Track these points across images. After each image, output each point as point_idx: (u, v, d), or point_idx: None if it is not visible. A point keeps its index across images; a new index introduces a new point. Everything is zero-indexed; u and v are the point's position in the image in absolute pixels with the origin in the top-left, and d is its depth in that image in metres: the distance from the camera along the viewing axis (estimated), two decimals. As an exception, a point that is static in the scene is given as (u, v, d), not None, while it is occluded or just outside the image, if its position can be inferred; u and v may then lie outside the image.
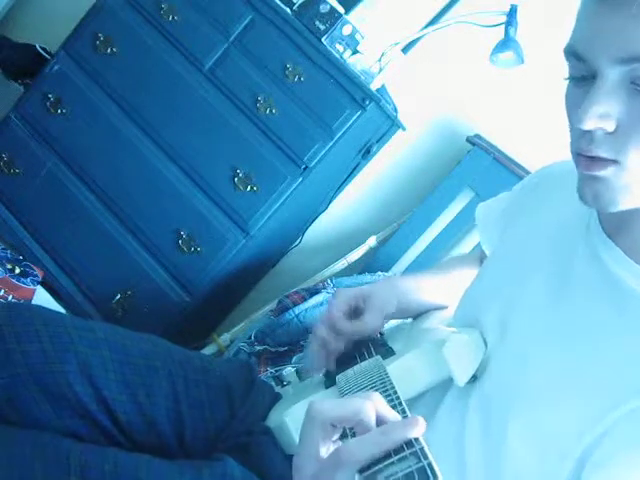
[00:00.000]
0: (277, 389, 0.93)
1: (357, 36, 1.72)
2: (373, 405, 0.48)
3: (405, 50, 1.90)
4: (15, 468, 0.65)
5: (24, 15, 2.37)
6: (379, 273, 1.81)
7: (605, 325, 0.63)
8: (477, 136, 1.88)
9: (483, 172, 1.82)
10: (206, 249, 1.74)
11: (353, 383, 0.66)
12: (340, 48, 1.71)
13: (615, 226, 0.66)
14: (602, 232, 0.67)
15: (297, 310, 1.61)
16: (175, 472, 0.70)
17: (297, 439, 0.70)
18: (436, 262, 1.87)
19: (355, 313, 0.86)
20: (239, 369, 0.92)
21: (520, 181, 0.94)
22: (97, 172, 1.84)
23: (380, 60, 1.75)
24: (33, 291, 1.73)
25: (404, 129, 1.89)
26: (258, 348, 1.60)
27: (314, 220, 1.99)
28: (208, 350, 1.87)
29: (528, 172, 1.74)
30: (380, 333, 0.89)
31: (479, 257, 1.03)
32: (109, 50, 1.85)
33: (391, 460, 0.43)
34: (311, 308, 1.62)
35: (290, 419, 0.72)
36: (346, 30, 1.71)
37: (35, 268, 1.80)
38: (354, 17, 1.83)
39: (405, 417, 0.50)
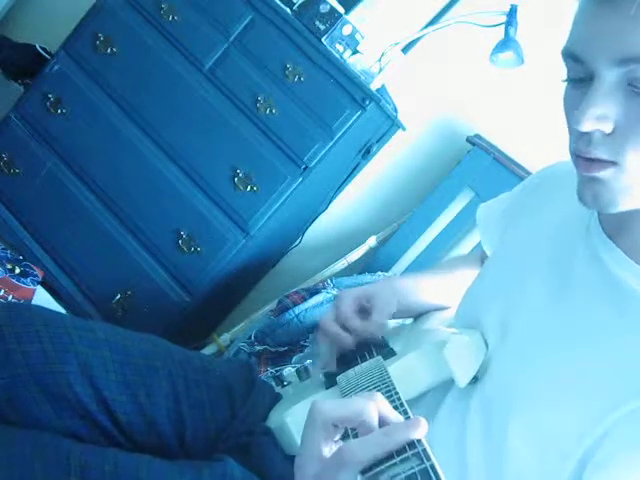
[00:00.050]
0: (277, 389, 0.93)
1: (357, 36, 1.72)
2: (375, 406, 0.48)
3: (405, 50, 1.90)
4: (15, 468, 0.64)
5: (24, 15, 2.37)
6: (379, 273, 1.81)
7: (605, 326, 0.63)
8: (477, 136, 1.88)
9: (483, 172, 1.82)
10: (206, 249, 1.74)
11: (354, 384, 0.66)
12: (340, 48, 1.71)
13: (615, 227, 0.66)
14: (602, 233, 0.67)
15: (297, 310, 1.61)
16: (175, 472, 0.70)
17: (298, 439, 0.70)
18: (436, 262, 1.87)
19: (361, 312, 0.86)
20: (239, 369, 0.92)
21: (520, 181, 0.94)
22: (97, 172, 1.84)
23: (380, 60, 1.75)
24: (33, 291, 1.72)
25: (404, 129, 1.89)
26: (258, 348, 1.60)
27: (314, 220, 1.99)
28: (208, 350, 1.87)
29: (528, 172, 1.74)
30: (381, 334, 0.89)
31: (480, 257, 1.03)
32: (109, 50, 1.85)
33: (393, 461, 0.43)
34: (311, 308, 1.62)
35: (291, 419, 0.72)
36: (346, 30, 1.71)
37: (35, 268, 1.80)
38: (354, 17, 1.83)
39: (407, 418, 0.50)
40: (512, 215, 0.88)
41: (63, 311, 1.73)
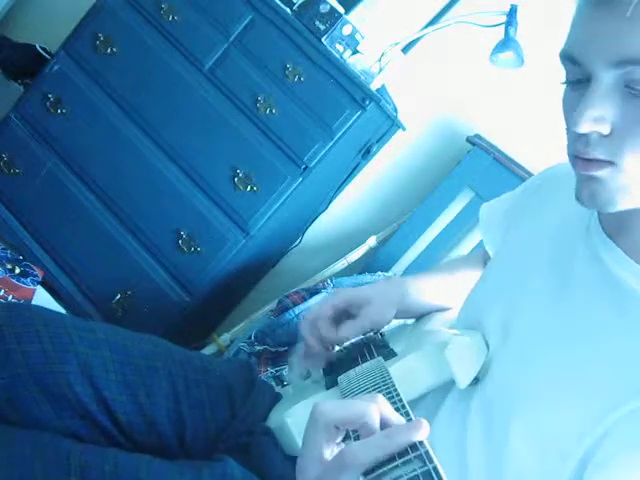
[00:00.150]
0: (277, 389, 0.93)
1: (357, 36, 1.72)
2: (377, 408, 0.48)
3: (405, 50, 1.90)
4: (15, 468, 0.64)
5: (24, 15, 2.37)
6: (379, 273, 1.81)
7: (605, 326, 0.63)
8: (477, 136, 1.88)
9: (483, 172, 1.82)
10: (206, 249, 1.74)
11: (355, 384, 0.66)
12: (340, 48, 1.71)
13: (615, 226, 0.66)
14: (602, 232, 0.67)
15: (297, 310, 1.61)
16: (175, 472, 0.70)
17: (298, 440, 0.70)
18: (436, 262, 1.87)
19: (346, 317, 0.86)
20: (239, 369, 0.92)
21: (520, 181, 0.95)
22: (97, 172, 1.84)
23: (380, 60, 1.75)
24: (33, 291, 1.72)
25: (404, 129, 1.89)
26: (258, 348, 1.60)
27: (314, 220, 1.99)
28: (208, 350, 1.87)
29: (528, 172, 1.74)
30: (381, 334, 0.89)
31: (483, 258, 1.03)
32: (109, 50, 1.85)
33: (395, 463, 0.43)
34: (311, 308, 1.62)
35: (291, 420, 0.72)
36: (346, 30, 1.71)
37: (35, 268, 1.80)
38: (354, 17, 1.83)
39: (409, 420, 0.50)
40: (514, 216, 0.88)
41: (63, 311, 1.73)
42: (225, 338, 1.88)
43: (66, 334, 0.77)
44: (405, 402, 0.54)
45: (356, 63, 1.74)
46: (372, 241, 1.94)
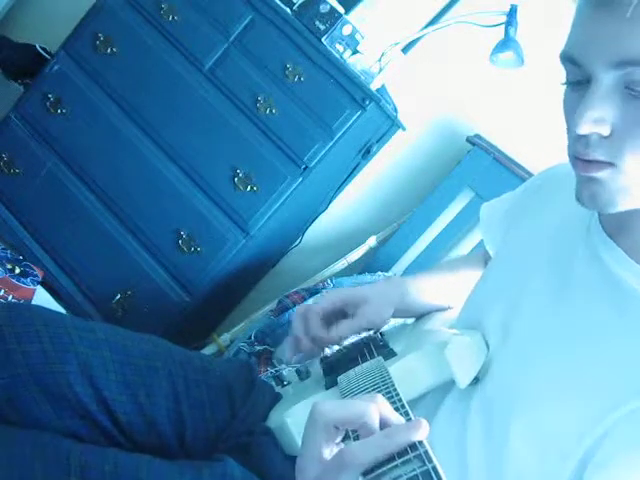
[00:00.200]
0: (277, 389, 0.93)
1: (357, 36, 1.72)
2: (377, 407, 0.48)
3: (405, 50, 1.90)
4: (15, 468, 0.64)
5: (24, 15, 2.37)
6: (379, 273, 1.81)
7: (606, 326, 0.63)
8: (477, 136, 1.88)
9: (483, 172, 1.82)
10: (206, 249, 1.74)
11: (355, 384, 0.66)
12: (340, 48, 1.71)
13: (616, 226, 0.66)
14: (603, 232, 0.67)
15: (297, 310, 1.61)
16: (175, 472, 0.70)
17: (298, 439, 0.70)
18: (436, 262, 1.87)
19: (342, 316, 0.86)
20: (239, 369, 0.92)
21: (520, 181, 0.95)
22: (97, 172, 1.84)
23: (380, 60, 1.75)
24: (33, 291, 1.72)
25: (404, 129, 1.89)
26: (258, 348, 1.60)
27: (314, 220, 1.99)
28: (208, 350, 1.87)
29: (528, 172, 1.75)
30: (381, 334, 0.89)
31: (483, 258, 1.03)
32: (109, 50, 1.85)
33: (395, 463, 0.43)
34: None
35: (291, 420, 0.72)
36: (346, 30, 1.71)
37: (35, 268, 1.80)
38: (354, 17, 1.83)
39: (409, 420, 0.50)
40: (514, 216, 0.88)
41: (63, 311, 1.73)
42: (225, 338, 1.88)
43: (66, 334, 0.77)
44: (405, 402, 0.54)
45: (356, 63, 1.74)
46: (372, 241, 1.94)
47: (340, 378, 0.72)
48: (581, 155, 0.59)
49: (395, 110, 1.81)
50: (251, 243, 1.74)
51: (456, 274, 0.99)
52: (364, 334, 0.87)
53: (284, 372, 0.93)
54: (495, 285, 0.79)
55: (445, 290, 0.96)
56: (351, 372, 0.72)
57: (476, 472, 0.66)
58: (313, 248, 2.07)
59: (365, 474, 0.44)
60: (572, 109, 0.59)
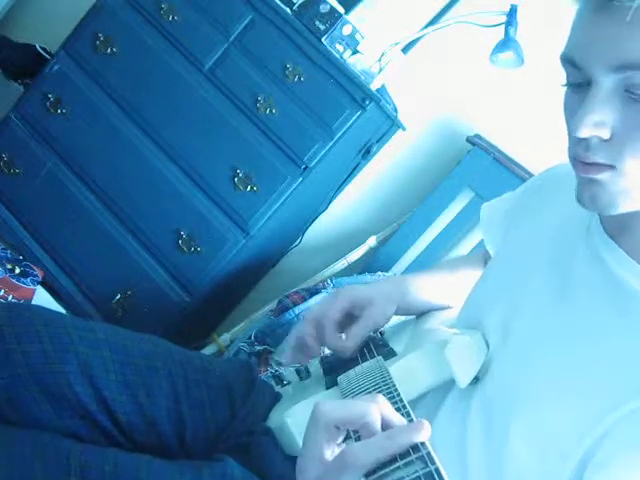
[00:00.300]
0: (277, 389, 0.93)
1: (357, 36, 1.72)
2: (378, 408, 0.48)
3: (405, 50, 1.90)
4: (15, 468, 0.64)
5: (24, 15, 2.37)
6: (379, 273, 1.81)
7: (606, 326, 0.63)
8: (477, 136, 1.88)
9: (483, 172, 1.82)
10: (206, 249, 1.74)
11: (355, 384, 0.66)
12: (340, 48, 1.71)
13: (617, 227, 0.66)
14: (604, 233, 0.67)
15: (297, 310, 1.61)
16: (175, 472, 0.70)
17: (298, 439, 0.70)
18: (436, 262, 1.87)
19: (349, 317, 0.86)
20: (239, 369, 0.92)
21: (520, 181, 0.95)
22: (97, 172, 1.84)
23: (380, 60, 1.75)
24: (33, 291, 1.72)
25: (404, 129, 1.89)
26: (258, 348, 1.60)
27: (314, 220, 1.99)
28: (208, 350, 1.87)
29: (528, 172, 1.74)
30: (380, 333, 0.89)
31: (483, 258, 1.03)
32: (109, 50, 1.85)
33: (397, 464, 0.43)
34: (309, 308, 1.62)
35: (291, 420, 0.72)
36: (346, 30, 1.71)
37: (35, 268, 1.80)
38: (354, 17, 1.83)
39: (410, 420, 0.50)
40: (514, 216, 0.88)
41: (63, 311, 1.73)
42: (225, 338, 1.88)
43: (66, 334, 0.77)
44: (406, 402, 0.54)
45: (356, 63, 1.74)
46: (372, 241, 1.94)
47: (340, 378, 0.72)
48: (581, 158, 0.59)
49: (395, 110, 1.81)
50: (251, 243, 1.74)
51: (456, 273, 0.99)
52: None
53: (284, 372, 0.93)
54: (495, 285, 0.79)
55: (445, 289, 0.96)
56: (351, 372, 0.72)
57: (476, 472, 0.66)
58: (313, 248, 2.07)
59: (367, 475, 0.44)
60: (572, 111, 0.59)
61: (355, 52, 1.74)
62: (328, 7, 1.70)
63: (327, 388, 0.76)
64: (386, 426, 0.48)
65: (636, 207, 0.59)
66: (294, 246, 2.03)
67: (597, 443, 0.58)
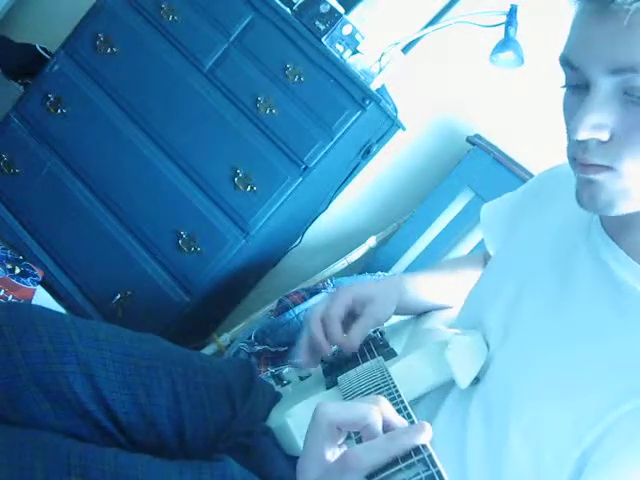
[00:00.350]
0: (277, 388, 0.93)
1: (357, 36, 1.72)
2: (380, 410, 0.48)
3: (405, 50, 1.90)
4: (15, 468, 0.64)
5: (24, 15, 2.37)
6: (379, 273, 1.81)
7: (606, 326, 0.63)
8: (477, 136, 1.88)
9: (483, 172, 1.82)
10: (206, 249, 1.74)
11: (356, 385, 0.66)
12: (340, 48, 1.71)
13: (617, 227, 0.66)
14: (604, 233, 0.67)
15: (297, 310, 1.61)
16: (175, 472, 0.70)
17: (298, 439, 0.70)
18: (436, 262, 1.87)
19: (351, 316, 0.86)
20: (239, 369, 0.92)
21: (520, 181, 0.95)
22: (97, 172, 1.84)
23: (380, 60, 1.75)
24: (33, 291, 1.72)
25: (404, 129, 1.89)
26: (258, 348, 1.60)
27: (314, 220, 1.99)
28: (208, 350, 1.87)
29: (528, 172, 1.74)
30: (381, 333, 0.89)
31: (483, 258, 1.03)
32: (109, 50, 1.85)
33: (399, 467, 0.43)
34: (311, 308, 1.62)
35: (291, 420, 0.72)
36: (346, 30, 1.71)
37: (35, 268, 1.80)
38: (354, 17, 1.83)
39: (411, 422, 0.50)
40: (515, 216, 0.88)
41: (63, 311, 1.73)
42: (225, 338, 1.88)
43: (66, 334, 0.77)
44: (407, 403, 0.54)
45: (356, 63, 1.74)
46: (372, 241, 1.94)
47: (341, 378, 0.72)
48: (580, 159, 0.59)
49: (395, 110, 1.81)
50: (251, 243, 1.74)
51: (456, 273, 0.99)
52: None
53: (284, 372, 0.93)
54: (495, 285, 0.79)
55: (444, 289, 0.96)
56: (352, 372, 0.72)
57: (476, 472, 0.66)
58: (313, 248, 2.07)
59: (368, 478, 0.44)
60: (571, 112, 0.59)
61: (355, 52, 1.74)
62: (328, 7, 1.70)
63: (327, 388, 0.75)
64: (387, 428, 0.48)
65: (635, 208, 0.59)
66: (294, 246, 2.03)
67: (596, 442, 0.58)
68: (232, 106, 1.75)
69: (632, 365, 0.59)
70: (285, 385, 0.90)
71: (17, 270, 1.74)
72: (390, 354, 0.76)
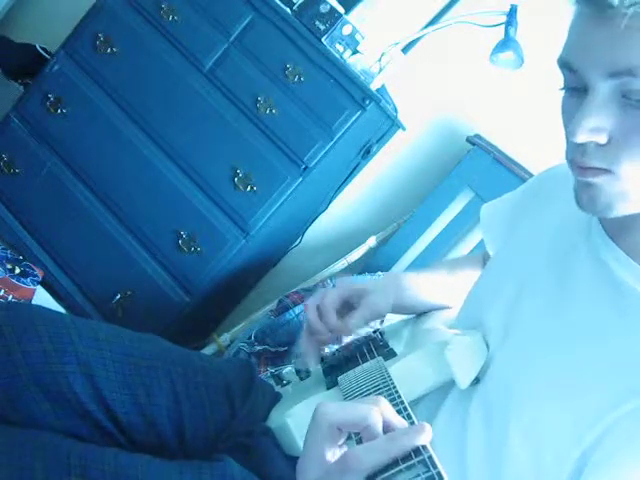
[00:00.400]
0: (277, 388, 0.93)
1: (357, 36, 1.72)
2: (380, 410, 0.48)
3: (405, 50, 1.90)
4: (15, 468, 0.64)
5: (24, 15, 2.37)
6: (379, 273, 1.81)
7: (606, 326, 0.63)
8: (477, 136, 1.88)
9: (483, 172, 1.82)
10: (206, 249, 1.74)
11: (355, 385, 0.66)
12: (340, 48, 1.71)
13: (617, 227, 0.66)
14: (604, 233, 0.67)
15: (297, 310, 1.61)
16: (175, 472, 0.70)
17: (298, 440, 0.70)
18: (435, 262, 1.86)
19: (347, 308, 0.86)
20: (239, 369, 0.92)
21: (520, 181, 0.95)
22: (97, 172, 1.84)
23: (380, 60, 1.75)
24: (33, 291, 1.72)
25: (404, 129, 1.89)
26: (258, 348, 1.60)
27: (314, 220, 1.99)
28: (208, 350, 1.87)
29: (528, 172, 1.74)
30: (380, 333, 0.89)
31: (483, 258, 1.03)
32: (109, 50, 1.85)
33: (399, 468, 0.43)
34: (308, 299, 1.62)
35: (292, 420, 0.72)
36: (346, 30, 1.71)
37: (35, 268, 1.80)
38: (354, 17, 1.83)
39: (411, 422, 0.50)
40: (514, 216, 0.88)
41: (63, 311, 1.73)
42: (225, 338, 1.88)
43: (66, 334, 0.77)
44: (407, 404, 0.54)
45: (356, 63, 1.74)
46: (372, 241, 1.94)
47: (340, 378, 0.72)
48: (578, 162, 0.59)
49: (395, 110, 1.81)
50: (251, 243, 1.74)
51: (455, 273, 1.00)
52: (364, 332, 0.88)
53: (284, 372, 0.93)
54: (495, 285, 0.79)
55: (443, 289, 0.96)
56: (351, 372, 0.72)
57: (476, 472, 0.66)
58: (313, 248, 2.07)
59: (369, 478, 0.44)
60: (570, 115, 0.59)
61: (355, 52, 1.74)
62: (328, 7, 1.70)
63: (327, 388, 0.75)
64: (387, 429, 0.48)
65: (634, 209, 0.60)
66: (294, 246, 2.03)
67: (596, 442, 0.58)
68: (232, 106, 1.75)
69: (632, 365, 0.59)
70: (285, 385, 0.90)
71: (17, 270, 1.74)
72: (390, 354, 0.76)
